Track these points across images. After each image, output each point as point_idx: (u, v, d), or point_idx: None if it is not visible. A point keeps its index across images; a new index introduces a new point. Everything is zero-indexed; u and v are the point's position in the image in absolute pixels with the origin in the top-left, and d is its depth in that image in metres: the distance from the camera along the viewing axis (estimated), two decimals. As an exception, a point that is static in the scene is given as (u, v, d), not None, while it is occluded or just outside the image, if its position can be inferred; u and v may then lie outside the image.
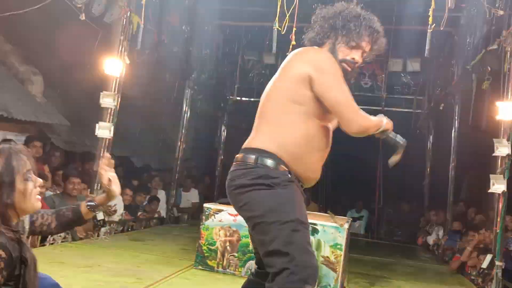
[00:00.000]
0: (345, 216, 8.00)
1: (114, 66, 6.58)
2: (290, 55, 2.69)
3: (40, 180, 2.26)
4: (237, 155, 2.57)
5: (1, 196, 2.04)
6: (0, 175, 2.07)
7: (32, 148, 6.88)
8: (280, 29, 5.54)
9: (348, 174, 13.22)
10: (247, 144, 2.59)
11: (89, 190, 6.67)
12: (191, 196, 9.73)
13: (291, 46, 5.98)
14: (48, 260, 4.85)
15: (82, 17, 6.15)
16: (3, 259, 1.93)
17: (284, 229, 2.30)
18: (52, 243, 5.69)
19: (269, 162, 2.43)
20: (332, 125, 2.70)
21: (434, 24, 5.61)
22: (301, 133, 2.51)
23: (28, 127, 8.18)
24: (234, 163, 2.57)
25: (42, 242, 5.59)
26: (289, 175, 2.45)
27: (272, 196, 2.37)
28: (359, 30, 2.61)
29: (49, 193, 6.32)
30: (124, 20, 6.68)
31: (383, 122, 2.56)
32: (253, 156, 2.46)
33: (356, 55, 2.65)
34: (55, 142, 8.61)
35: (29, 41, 8.45)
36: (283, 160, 2.45)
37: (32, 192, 2.17)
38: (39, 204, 2.26)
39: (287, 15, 5.34)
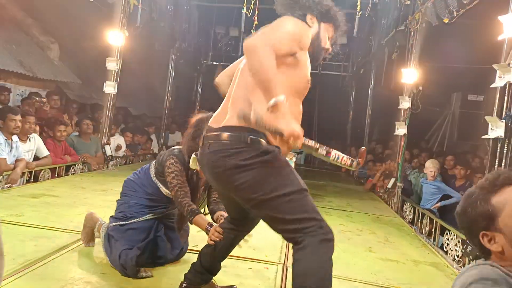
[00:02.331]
0: (291, 152, 8.16)
1: (116, 37, 6.40)
2: None
3: None
4: (217, 133, 1.84)
5: None
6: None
7: (51, 100, 6.73)
8: (247, 12, 5.50)
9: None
10: (229, 121, 1.85)
11: (98, 133, 6.63)
12: (176, 137, 9.67)
13: (254, 25, 5.95)
14: (72, 186, 4.89)
15: (90, -2, 5.92)
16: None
17: (294, 200, 1.76)
18: (73, 173, 5.69)
19: (261, 139, 1.80)
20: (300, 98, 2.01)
21: (361, 12, 5.65)
22: None
23: (48, 84, 7.94)
24: (215, 141, 1.84)
25: (66, 173, 5.59)
26: (278, 149, 1.85)
27: (273, 172, 1.77)
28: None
29: (73, 134, 6.28)
30: (123, 1, 6.44)
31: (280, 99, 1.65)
32: (242, 135, 1.79)
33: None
34: (70, 96, 8.40)
35: (47, 16, 8.05)
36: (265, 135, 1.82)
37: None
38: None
39: (252, 1, 5.29)
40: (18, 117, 4.44)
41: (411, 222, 5.10)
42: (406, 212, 5.45)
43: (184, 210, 2.38)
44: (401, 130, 5.85)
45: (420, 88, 5.83)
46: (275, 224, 1.82)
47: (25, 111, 5.08)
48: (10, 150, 4.42)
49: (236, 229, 2.18)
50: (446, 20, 4.80)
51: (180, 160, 2.52)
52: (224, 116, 1.88)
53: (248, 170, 1.76)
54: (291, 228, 1.76)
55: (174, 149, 2.62)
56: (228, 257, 2.22)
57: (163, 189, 2.60)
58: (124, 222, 2.56)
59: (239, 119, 1.78)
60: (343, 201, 6.00)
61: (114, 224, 2.59)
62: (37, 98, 6.46)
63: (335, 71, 11.47)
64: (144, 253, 2.47)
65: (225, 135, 1.82)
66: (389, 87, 7.69)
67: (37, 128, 5.23)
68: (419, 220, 4.84)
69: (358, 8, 5.57)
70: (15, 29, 7.67)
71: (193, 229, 2.72)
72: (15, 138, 4.51)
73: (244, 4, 5.48)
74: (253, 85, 1.79)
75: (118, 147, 7.06)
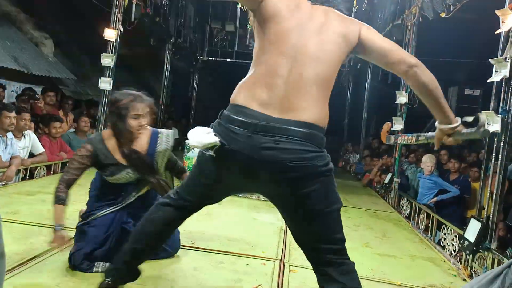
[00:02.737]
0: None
1: (111, 33, 6.36)
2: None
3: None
4: (303, 129, 1.56)
5: None
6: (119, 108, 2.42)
7: (47, 97, 6.67)
8: (242, 7, 5.45)
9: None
10: (313, 118, 1.59)
11: (94, 129, 6.59)
12: (172, 133, 9.71)
13: (249, 19, 5.92)
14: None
15: (85, -7, 5.86)
16: None
17: (340, 218, 1.69)
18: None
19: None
20: None
21: (358, 6, 5.63)
22: None
23: (43, 80, 7.89)
24: (294, 138, 1.55)
25: (62, 169, 5.55)
26: None
27: (334, 183, 1.66)
28: None
29: (69, 131, 6.24)
30: (119, -4, 6.40)
31: None
32: (323, 137, 1.63)
33: None
34: (65, 92, 8.35)
35: (41, 12, 7.99)
36: None
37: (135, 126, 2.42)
38: (139, 135, 2.49)
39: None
40: (13, 114, 4.40)
41: (408, 217, 5.11)
42: (403, 207, 5.47)
43: (54, 194, 2.30)
44: (397, 125, 5.84)
45: (417, 83, 5.79)
46: (320, 242, 1.66)
47: (20, 107, 5.05)
48: (5, 147, 4.40)
49: (186, 210, 1.86)
50: (443, 14, 4.80)
51: (94, 143, 2.45)
52: (290, 105, 1.58)
53: (323, 177, 1.60)
54: (335, 248, 1.66)
55: (97, 133, 2.53)
56: (225, 253, 2.21)
57: (104, 177, 2.48)
58: (86, 221, 2.46)
59: (324, 119, 1.63)
60: (341, 196, 5.98)
61: (78, 224, 2.50)
62: (31, 94, 6.42)
63: (331, 66, 11.42)
64: (104, 247, 2.36)
65: (310, 133, 1.57)
66: (386, 81, 7.69)
67: (32, 125, 5.20)
68: (416, 215, 4.86)
69: (355, 2, 5.54)
70: (8, 25, 7.61)
71: (191, 225, 2.71)
72: (9, 135, 4.48)
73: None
74: (329, 87, 1.67)
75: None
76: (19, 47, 7.43)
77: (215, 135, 1.62)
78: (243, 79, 1.71)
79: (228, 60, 11.37)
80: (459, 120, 1.71)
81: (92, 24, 6.78)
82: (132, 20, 6.63)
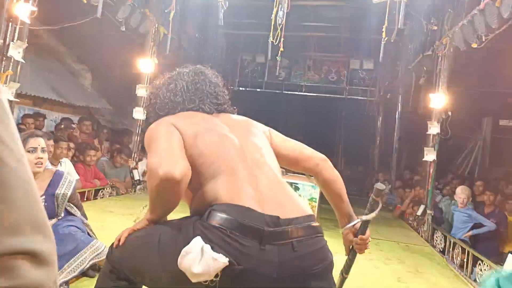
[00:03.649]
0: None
1: (146, 65, 6.61)
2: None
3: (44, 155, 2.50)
4: (312, 223, 1.33)
5: None
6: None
7: (83, 126, 6.93)
8: (273, 41, 5.57)
9: (318, 145, 13.35)
10: (307, 209, 1.39)
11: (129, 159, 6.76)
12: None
13: (279, 52, 6.03)
14: (100, 210, 4.95)
15: (122, 28, 6.13)
16: None
17: None
18: (102, 197, 5.78)
19: None
20: None
21: (387, 37, 5.66)
22: None
23: (81, 110, 8.20)
24: (313, 234, 1.31)
25: (95, 196, 5.69)
26: None
27: None
28: None
29: (102, 159, 6.42)
30: (154, 30, 6.68)
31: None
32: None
33: None
34: (101, 122, 8.64)
35: (80, 45, 8.39)
36: None
37: (31, 160, 2.42)
38: (38, 169, 2.47)
39: (278, 29, 5.37)
40: (51, 142, 4.58)
41: (442, 251, 4.92)
42: (436, 240, 5.29)
43: None
44: (430, 156, 5.74)
45: (449, 113, 5.73)
46: None
47: (58, 136, 5.25)
48: (43, 174, 4.55)
49: None
50: (474, 45, 4.75)
51: None
52: (277, 200, 1.34)
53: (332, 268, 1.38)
54: None
55: None
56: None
57: None
58: None
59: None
60: (370, 228, 5.83)
61: None
62: (68, 123, 6.68)
63: (361, 96, 11.43)
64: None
65: (317, 225, 1.36)
66: (417, 112, 7.60)
67: (70, 153, 5.38)
68: (451, 249, 4.68)
69: (384, 34, 5.57)
70: (50, 58, 8.01)
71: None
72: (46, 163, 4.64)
73: (271, 32, 5.57)
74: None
75: (146, 172, 7.19)
76: (59, 78, 7.79)
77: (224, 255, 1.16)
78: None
79: (258, 90, 11.55)
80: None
81: (129, 57, 7.05)
82: (167, 52, 6.87)
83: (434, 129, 5.77)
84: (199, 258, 1.12)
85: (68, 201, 2.58)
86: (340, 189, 1.61)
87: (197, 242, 1.15)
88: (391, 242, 5.13)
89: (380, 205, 1.64)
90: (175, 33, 7.10)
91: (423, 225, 5.81)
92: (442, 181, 7.43)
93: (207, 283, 1.14)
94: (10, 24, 3.79)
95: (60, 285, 2.11)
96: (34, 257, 0.53)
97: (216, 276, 1.13)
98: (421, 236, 5.73)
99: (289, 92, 11.55)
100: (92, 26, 5.94)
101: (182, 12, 7.47)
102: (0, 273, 0.50)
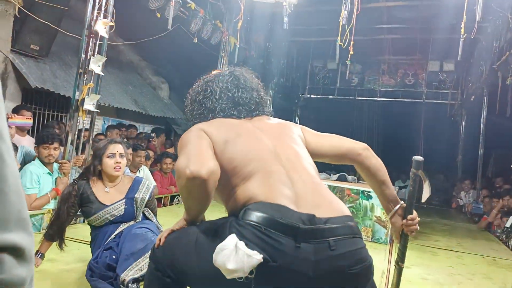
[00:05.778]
0: (393, 185, 7.74)
1: (217, 75, 6.79)
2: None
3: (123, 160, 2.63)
4: (350, 223, 1.30)
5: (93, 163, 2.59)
6: (96, 150, 2.63)
7: (161, 135, 7.28)
8: (342, 44, 5.44)
9: (396, 153, 12.84)
10: (345, 210, 1.36)
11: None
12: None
13: (349, 55, 5.88)
14: (175, 215, 5.03)
15: (195, 40, 6.37)
16: None
17: None
18: (177, 203, 5.98)
19: None
20: None
21: (466, 34, 5.28)
22: None
23: (159, 120, 8.63)
24: (352, 235, 1.28)
25: (171, 202, 5.91)
26: None
27: None
28: None
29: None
30: (225, 41, 6.86)
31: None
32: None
33: None
34: (177, 131, 9.03)
35: (158, 59, 8.86)
36: None
37: (110, 164, 2.57)
38: (116, 173, 2.60)
39: (347, 31, 5.22)
40: (129, 151, 4.85)
41: (536, 268, 4.43)
42: (529, 255, 4.78)
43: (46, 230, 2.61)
44: (520, 162, 5.24)
45: (542, 114, 5.22)
46: None
47: (136, 145, 5.55)
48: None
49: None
50: None
51: (80, 183, 2.59)
52: (313, 200, 1.33)
53: (373, 272, 1.39)
54: None
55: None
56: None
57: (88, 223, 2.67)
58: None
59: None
60: (452, 241, 5.46)
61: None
62: (147, 133, 7.04)
63: (441, 99, 10.77)
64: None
65: (354, 225, 1.34)
66: (505, 114, 7.01)
67: (149, 162, 5.67)
68: (546, 266, 4.20)
69: (462, 30, 5.21)
70: (131, 71, 8.54)
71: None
72: (126, 170, 4.92)
73: (339, 36, 5.45)
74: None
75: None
76: (139, 91, 8.28)
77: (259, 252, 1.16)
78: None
79: (330, 96, 11.37)
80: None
81: (202, 68, 7.30)
82: (235, 62, 7.01)
83: (524, 132, 5.26)
84: (233, 254, 1.13)
85: (145, 206, 2.69)
86: (383, 176, 1.61)
87: (232, 239, 1.17)
88: (476, 255, 4.73)
89: (427, 180, 1.63)
90: (243, 42, 7.22)
91: (513, 237, 5.31)
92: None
93: (242, 280, 1.14)
94: (91, 39, 4.08)
95: (129, 282, 2.18)
96: (18, 252, 0.52)
97: (251, 273, 1.13)
98: (511, 250, 5.23)
99: (362, 98, 11.23)
100: (167, 40, 6.23)
101: (250, 21, 7.60)
102: None
